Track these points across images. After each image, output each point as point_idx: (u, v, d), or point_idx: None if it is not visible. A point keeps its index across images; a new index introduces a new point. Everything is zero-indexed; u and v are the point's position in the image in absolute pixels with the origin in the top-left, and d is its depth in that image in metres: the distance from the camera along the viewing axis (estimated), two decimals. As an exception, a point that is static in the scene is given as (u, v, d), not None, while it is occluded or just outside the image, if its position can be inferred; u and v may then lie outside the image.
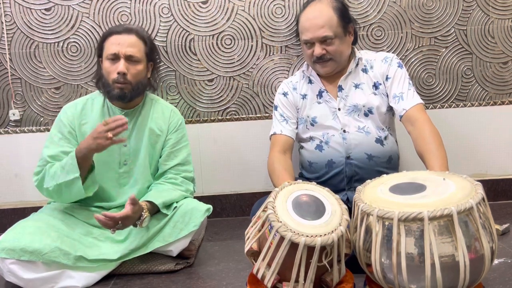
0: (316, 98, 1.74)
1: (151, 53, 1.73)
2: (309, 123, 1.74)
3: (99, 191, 1.68)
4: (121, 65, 1.60)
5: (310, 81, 1.77)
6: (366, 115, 1.69)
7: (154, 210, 1.59)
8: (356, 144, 1.66)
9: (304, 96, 1.76)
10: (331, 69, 1.70)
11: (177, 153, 1.73)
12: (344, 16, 1.67)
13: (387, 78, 1.70)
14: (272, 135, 1.78)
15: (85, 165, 1.55)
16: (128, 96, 1.64)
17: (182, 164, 1.73)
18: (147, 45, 1.70)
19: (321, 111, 1.73)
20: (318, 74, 1.76)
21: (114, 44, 1.62)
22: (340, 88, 1.72)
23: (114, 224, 1.45)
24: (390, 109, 1.72)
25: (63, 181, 1.52)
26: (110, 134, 1.45)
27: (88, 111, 1.70)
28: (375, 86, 1.71)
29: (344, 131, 1.68)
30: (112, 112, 1.70)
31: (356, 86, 1.71)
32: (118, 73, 1.60)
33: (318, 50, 1.65)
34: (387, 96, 1.71)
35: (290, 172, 1.63)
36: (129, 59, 1.63)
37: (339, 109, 1.70)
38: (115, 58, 1.62)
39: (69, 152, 1.59)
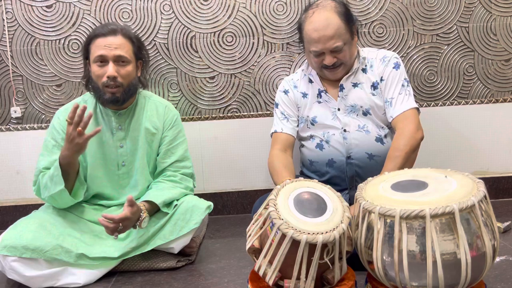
0: (316, 97, 1.73)
1: (139, 51, 1.68)
2: (309, 123, 1.73)
3: (101, 193, 1.68)
4: (110, 69, 1.56)
5: (310, 80, 1.76)
6: (364, 114, 1.68)
7: (154, 210, 1.59)
8: (357, 144, 1.65)
9: (304, 95, 1.75)
10: (342, 74, 1.68)
11: (174, 150, 1.72)
12: (349, 20, 1.63)
13: (381, 80, 1.68)
14: (273, 133, 1.77)
15: (72, 170, 1.53)
16: (121, 99, 1.61)
17: (180, 161, 1.71)
18: (135, 44, 1.64)
19: (321, 111, 1.72)
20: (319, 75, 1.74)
21: (100, 47, 1.56)
22: (342, 88, 1.70)
23: (115, 228, 1.44)
24: None
25: (54, 193, 1.52)
26: (79, 129, 1.41)
27: None
28: (374, 86, 1.69)
29: (345, 130, 1.67)
30: (105, 113, 1.67)
31: (355, 85, 1.69)
32: (108, 77, 1.56)
33: (329, 59, 1.62)
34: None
35: (291, 170, 1.63)
36: (118, 60, 1.58)
37: (338, 109, 1.69)
38: (103, 61, 1.57)
39: None
